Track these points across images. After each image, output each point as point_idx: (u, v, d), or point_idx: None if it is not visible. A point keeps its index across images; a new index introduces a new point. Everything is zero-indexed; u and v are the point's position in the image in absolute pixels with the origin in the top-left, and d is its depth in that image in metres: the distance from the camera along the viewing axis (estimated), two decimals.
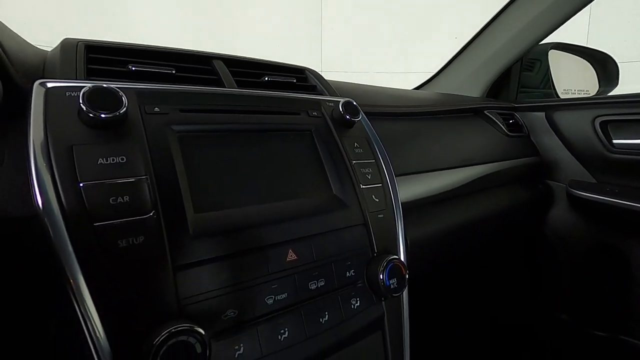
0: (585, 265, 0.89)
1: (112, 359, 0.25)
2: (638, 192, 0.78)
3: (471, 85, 1.02)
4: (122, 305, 0.26)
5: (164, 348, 0.24)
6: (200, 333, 0.26)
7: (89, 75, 0.35)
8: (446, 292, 0.91)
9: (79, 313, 0.25)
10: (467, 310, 0.99)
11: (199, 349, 0.25)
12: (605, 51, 1.03)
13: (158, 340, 0.24)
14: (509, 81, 1.04)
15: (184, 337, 0.25)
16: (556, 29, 0.91)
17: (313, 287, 0.35)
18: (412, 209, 0.55)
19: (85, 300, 0.25)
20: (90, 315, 0.25)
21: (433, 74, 1.09)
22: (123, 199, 0.28)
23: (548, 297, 0.94)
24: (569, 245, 0.91)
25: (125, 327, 0.26)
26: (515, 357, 1.00)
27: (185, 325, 0.25)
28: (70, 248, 0.25)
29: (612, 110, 0.81)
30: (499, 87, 1.05)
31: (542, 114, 0.92)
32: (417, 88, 1.13)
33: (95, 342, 0.25)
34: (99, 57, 0.37)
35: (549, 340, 0.94)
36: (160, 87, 0.36)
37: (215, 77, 0.43)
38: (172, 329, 0.25)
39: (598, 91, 1.05)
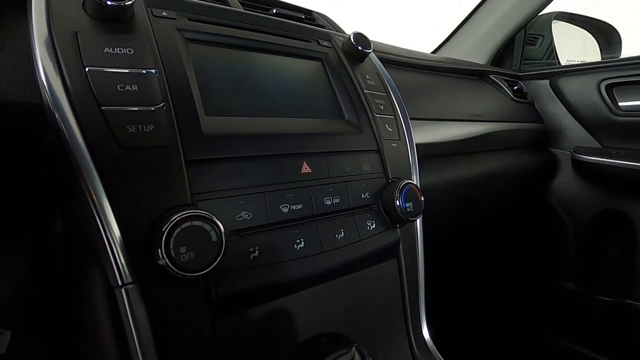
0: (591, 233, 0.88)
1: (123, 246, 0.23)
2: None
3: (476, 54, 1.01)
4: (134, 192, 0.24)
5: (177, 230, 0.23)
6: (215, 221, 0.24)
7: None
8: (457, 249, 0.90)
9: (89, 199, 0.23)
10: (476, 269, 0.99)
11: (214, 237, 0.24)
12: (607, 21, 1.02)
13: (172, 221, 0.23)
14: (512, 52, 1.04)
15: (198, 223, 0.24)
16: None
17: (328, 202, 0.33)
18: (424, 158, 0.53)
19: (95, 187, 0.23)
20: (100, 200, 0.23)
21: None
22: (131, 88, 0.26)
23: (554, 265, 0.93)
24: (574, 214, 0.90)
25: (137, 213, 0.24)
26: (519, 321, 1.00)
27: (201, 212, 0.24)
28: (79, 132, 0.24)
29: (618, 73, 0.81)
30: (502, 56, 1.04)
31: (547, 82, 0.91)
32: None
33: (107, 228, 0.23)
34: None
35: (555, 308, 0.93)
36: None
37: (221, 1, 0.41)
38: (188, 212, 0.23)
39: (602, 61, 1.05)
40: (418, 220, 0.41)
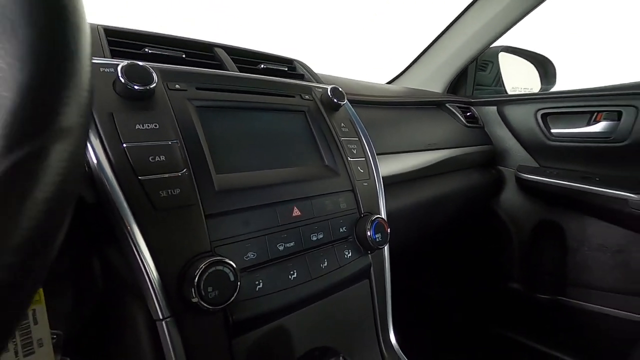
0: (531, 241, 1.02)
1: (162, 287, 0.30)
2: (572, 173, 0.92)
3: (434, 83, 1.13)
4: (168, 243, 0.31)
5: (206, 275, 0.30)
6: (232, 265, 0.31)
7: (113, 55, 0.39)
8: (420, 258, 1.01)
9: (133, 249, 0.30)
10: (436, 275, 1.11)
11: (231, 278, 0.31)
12: (545, 54, 1.18)
13: (201, 268, 0.30)
14: (465, 79, 1.16)
15: (220, 267, 0.31)
16: (505, 32, 1.04)
17: (314, 238, 0.41)
18: (389, 185, 0.63)
19: (137, 239, 0.30)
20: (142, 250, 0.30)
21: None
22: (160, 158, 0.33)
23: (502, 269, 1.07)
24: (518, 223, 1.04)
25: (171, 260, 0.31)
26: (474, 318, 1.13)
27: (220, 257, 0.31)
28: (122, 197, 0.30)
29: (550, 104, 0.95)
30: (457, 84, 1.17)
31: (495, 108, 1.04)
32: (387, 83, 1.22)
33: (149, 273, 0.30)
34: (118, 40, 0.41)
35: (503, 305, 1.07)
36: (178, 67, 0.41)
37: (218, 62, 0.48)
38: (212, 259, 0.30)
39: (540, 88, 1.20)
40: (385, 247, 0.51)
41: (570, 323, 0.97)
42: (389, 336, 0.49)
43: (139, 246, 0.30)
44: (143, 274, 0.30)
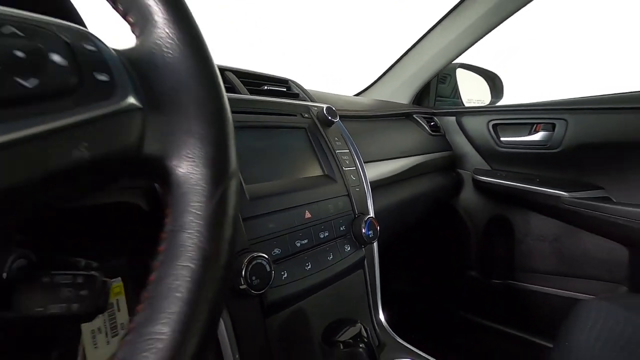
0: (486, 233, 1.18)
1: None
2: (518, 175, 1.08)
3: (401, 94, 1.25)
4: None
5: (250, 266, 0.38)
6: (267, 258, 0.39)
7: None
8: (398, 251, 1.13)
9: None
10: (411, 265, 1.24)
11: (267, 268, 0.39)
12: (494, 71, 1.35)
13: (247, 261, 0.38)
14: (428, 91, 1.30)
15: (259, 260, 0.39)
16: (465, 52, 1.19)
17: (321, 236, 0.50)
18: (373, 189, 0.73)
19: None
20: None
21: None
22: None
23: (462, 259, 1.22)
24: (474, 218, 1.19)
25: None
26: (443, 303, 1.27)
27: (258, 253, 0.39)
28: None
29: (500, 115, 1.11)
30: (421, 95, 1.30)
31: (454, 118, 1.19)
32: (358, 94, 1.33)
33: None
34: None
35: (465, 291, 1.22)
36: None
37: (230, 86, 0.56)
38: (253, 254, 0.38)
39: (490, 101, 1.37)
40: (375, 242, 0.60)
41: (519, 302, 1.14)
42: (379, 315, 0.59)
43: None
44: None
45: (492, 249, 1.18)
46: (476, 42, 1.15)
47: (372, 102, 1.11)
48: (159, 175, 0.19)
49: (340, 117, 0.76)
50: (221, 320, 0.37)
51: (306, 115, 0.60)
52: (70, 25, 0.18)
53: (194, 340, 0.17)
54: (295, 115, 0.58)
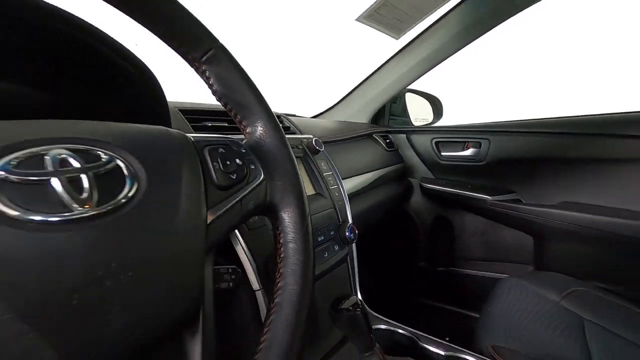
0: (431, 230, 1.44)
1: (257, 272, 0.54)
2: (455, 182, 1.35)
3: (361, 115, 1.47)
4: (255, 246, 0.55)
5: None
6: None
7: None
8: (366, 248, 1.34)
9: (242, 250, 0.53)
10: (375, 259, 1.46)
11: None
12: (435, 95, 1.62)
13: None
14: (384, 111, 1.54)
15: None
16: (417, 79, 1.42)
17: (319, 239, 0.69)
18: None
19: (242, 244, 0.53)
20: (245, 249, 0.53)
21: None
22: None
23: (413, 252, 1.47)
24: (422, 218, 1.45)
25: (259, 255, 0.55)
26: (403, 290, 1.52)
27: None
28: None
29: (441, 134, 1.37)
30: (377, 115, 1.53)
31: (404, 136, 1.43)
32: (318, 115, 1.52)
33: (250, 262, 0.53)
34: (190, 117, 0.62)
35: (417, 279, 1.47)
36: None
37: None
38: None
39: (433, 120, 1.64)
40: (354, 242, 0.80)
41: (457, 284, 1.41)
42: (358, 295, 0.79)
43: (244, 248, 0.54)
44: (248, 263, 0.53)
45: (436, 243, 1.44)
46: (425, 73, 1.40)
47: (335, 124, 1.30)
48: (273, 214, 0.36)
49: (325, 142, 0.95)
50: (262, 303, 0.54)
51: (300, 147, 0.78)
52: (233, 139, 0.35)
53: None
54: (294, 148, 0.76)
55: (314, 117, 1.50)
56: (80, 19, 0.35)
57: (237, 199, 0.32)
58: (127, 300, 0.20)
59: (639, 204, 1.07)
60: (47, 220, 0.19)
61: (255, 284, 0.54)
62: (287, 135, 0.80)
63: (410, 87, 1.56)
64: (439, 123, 1.61)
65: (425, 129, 1.42)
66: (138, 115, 0.46)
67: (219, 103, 0.37)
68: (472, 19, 1.09)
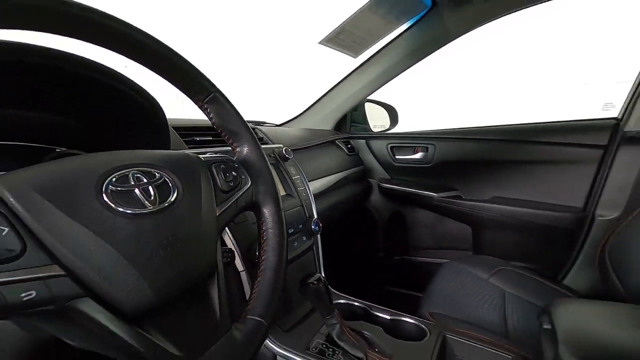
0: (388, 224, 1.64)
1: (241, 255, 0.68)
2: (408, 182, 1.55)
3: (326, 122, 1.63)
4: (240, 236, 0.69)
5: None
6: None
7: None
8: (332, 241, 1.50)
9: (229, 239, 0.67)
10: (340, 250, 1.62)
11: None
12: (391, 104, 1.82)
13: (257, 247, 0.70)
14: (346, 119, 1.71)
15: None
16: (377, 90, 1.60)
17: (290, 231, 0.84)
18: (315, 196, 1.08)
19: (230, 235, 0.68)
20: (232, 239, 0.68)
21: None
22: None
23: (374, 244, 1.66)
24: (380, 214, 1.64)
25: (243, 244, 0.69)
26: (368, 277, 1.70)
27: None
28: None
29: (395, 140, 1.57)
30: (340, 122, 1.70)
31: (364, 141, 1.61)
32: (286, 122, 1.67)
33: (235, 248, 0.68)
34: (183, 133, 0.75)
35: (377, 268, 1.66)
36: (218, 151, 0.78)
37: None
38: None
39: (390, 127, 1.84)
40: (319, 234, 0.96)
41: (409, 270, 1.62)
42: (321, 274, 0.95)
43: (231, 238, 0.68)
44: (235, 250, 0.68)
45: (392, 236, 1.64)
46: (382, 86, 1.59)
47: (302, 131, 1.46)
48: (257, 209, 0.51)
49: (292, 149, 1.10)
50: (245, 281, 0.69)
51: (272, 155, 0.93)
52: (229, 157, 0.49)
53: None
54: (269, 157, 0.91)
55: (283, 124, 1.65)
56: (107, 67, 0.48)
57: (234, 199, 0.47)
58: (180, 258, 0.35)
59: (551, 198, 1.32)
60: (134, 213, 0.33)
61: (240, 266, 0.69)
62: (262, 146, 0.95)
63: (369, 97, 1.76)
64: (395, 129, 1.81)
65: (381, 135, 1.62)
66: (147, 135, 0.59)
67: (200, 119, 0.51)
68: (417, 44, 1.29)
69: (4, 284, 0.25)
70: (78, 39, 0.35)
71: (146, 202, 0.34)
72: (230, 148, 0.53)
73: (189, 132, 0.79)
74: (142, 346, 0.31)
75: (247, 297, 0.47)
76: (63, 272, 0.28)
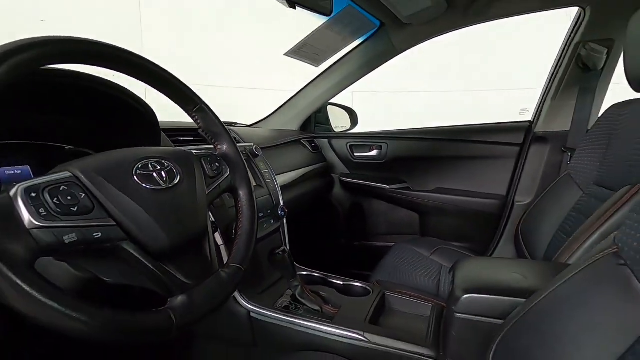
0: (349, 214, 1.84)
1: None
2: (365, 176, 1.76)
3: (292, 123, 1.81)
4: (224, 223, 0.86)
5: None
6: None
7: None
8: (300, 228, 1.68)
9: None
10: (309, 238, 1.81)
11: None
12: (351, 107, 2.03)
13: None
14: (310, 120, 1.90)
15: None
16: (337, 95, 1.79)
17: (260, 215, 1.01)
18: (282, 188, 1.26)
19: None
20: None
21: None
22: None
23: (337, 231, 1.86)
24: (342, 205, 1.84)
25: (225, 229, 0.86)
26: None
27: None
28: None
29: (353, 140, 1.77)
30: (305, 123, 1.89)
31: (327, 140, 1.81)
32: (256, 122, 1.83)
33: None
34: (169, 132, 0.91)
35: (340, 253, 1.87)
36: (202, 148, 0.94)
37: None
38: None
39: (350, 127, 2.05)
40: (284, 218, 1.14)
41: (368, 254, 1.83)
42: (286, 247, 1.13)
43: (212, 218, 0.84)
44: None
45: (353, 223, 1.85)
46: (341, 92, 1.79)
47: (271, 132, 1.63)
48: (235, 192, 0.68)
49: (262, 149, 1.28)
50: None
51: (244, 152, 1.10)
52: (213, 153, 0.67)
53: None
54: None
55: (254, 124, 1.82)
56: (110, 82, 0.63)
57: (218, 183, 0.64)
58: (183, 219, 0.52)
59: (482, 187, 1.58)
60: (154, 189, 0.50)
61: (219, 240, 0.85)
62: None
63: (331, 101, 1.96)
64: (355, 130, 2.02)
65: (342, 135, 1.82)
66: (143, 134, 0.75)
67: (183, 122, 0.68)
68: (369, 57, 1.51)
69: (85, 227, 0.41)
70: (113, 69, 0.52)
71: (160, 182, 0.51)
72: (211, 145, 0.70)
73: (173, 132, 0.95)
74: (163, 274, 0.48)
75: (225, 262, 0.64)
76: (114, 223, 0.44)
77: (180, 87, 0.62)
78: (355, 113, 2.04)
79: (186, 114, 0.67)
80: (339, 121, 2.03)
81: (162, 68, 0.59)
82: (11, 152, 0.60)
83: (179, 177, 0.55)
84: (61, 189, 0.41)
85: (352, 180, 1.75)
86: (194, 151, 0.64)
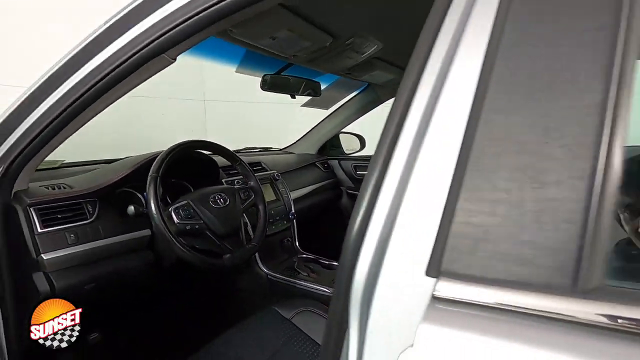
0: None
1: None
2: None
3: (312, 147, 2.40)
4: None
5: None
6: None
7: None
8: (312, 233, 2.28)
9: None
10: (319, 242, 2.40)
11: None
12: (359, 133, 2.57)
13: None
14: (326, 145, 2.47)
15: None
16: (346, 127, 2.35)
17: (277, 218, 1.62)
18: (295, 199, 1.86)
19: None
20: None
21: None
22: None
23: (342, 234, 2.41)
24: (348, 212, 2.37)
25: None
26: None
27: None
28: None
29: (356, 161, 2.32)
30: (322, 147, 2.47)
31: (337, 161, 2.38)
32: (286, 147, 2.45)
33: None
34: None
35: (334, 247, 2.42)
36: (237, 180, 1.57)
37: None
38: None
39: (359, 149, 2.59)
40: (294, 220, 1.74)
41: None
42: (296, 243, 1.73)
43: (247, 220, 1.47)
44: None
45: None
46: (348, 125, 2.35)
47: (294, 157, 2.23)
48: (256, 207, 1.29)
49: (282, 173, 1.89)
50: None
51: (268, 178, 1.71)
52: (244, 186, 1.29)
53: None
54: (265, 179, 1.69)
55: (285, 148, 2.44)
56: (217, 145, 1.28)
57: (247, 202, 1.25)
58: (230, 220, 1.15)
59: None
60: (218, 207, 1.13)
61: (250, 231, 1.47)
62: (260, 173, 1.73)
63: (343, 130, 2.53)
64: (362, 152, 2.56)
65: (348, 158, 2.38)
66: (210, 175, 1.39)
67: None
68: (362, 104, 2.06)
69: (192, 223, 1.05)
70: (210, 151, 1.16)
71: (220, 203, 1.14)
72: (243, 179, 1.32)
73: (225, 169, 1.60)
74: (221, 245, 1.10)
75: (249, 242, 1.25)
76: (203, 222, 1.07)
77: (229, 153, 1.25)
78: (364, 138, 2.59)
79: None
80: (350, 144, 2.59)
81: (223, 147, 1.23)
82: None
83: (228, 201, 1.17)
84: (184, 207, 1.05)
85: (356, 192, 2.30)
86: (236, 186, 1.26)
